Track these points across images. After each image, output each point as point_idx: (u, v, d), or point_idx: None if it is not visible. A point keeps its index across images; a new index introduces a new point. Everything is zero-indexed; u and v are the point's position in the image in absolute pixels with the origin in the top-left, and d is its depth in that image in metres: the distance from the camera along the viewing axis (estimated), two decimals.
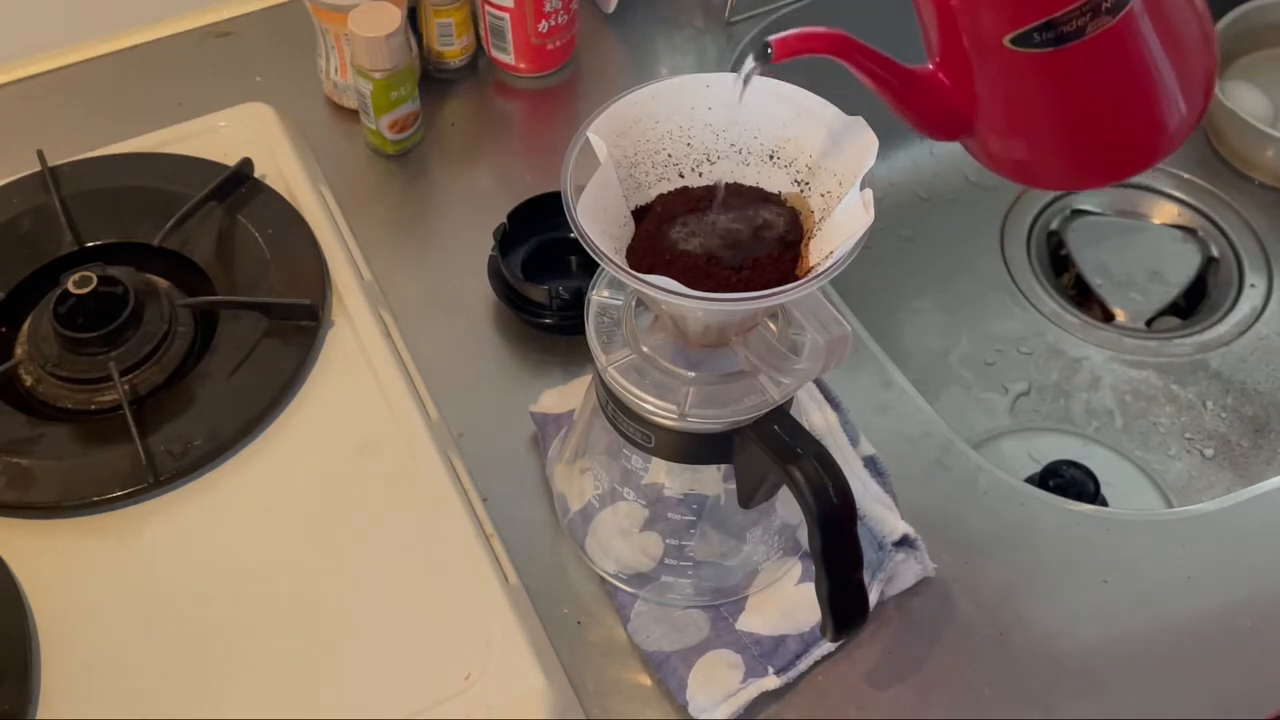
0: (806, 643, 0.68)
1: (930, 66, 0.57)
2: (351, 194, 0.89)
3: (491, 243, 0.81)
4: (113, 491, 0.70)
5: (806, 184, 0.58)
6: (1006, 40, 0.53)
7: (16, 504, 0.70)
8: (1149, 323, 1.08)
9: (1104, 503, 0.90)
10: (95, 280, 0.74)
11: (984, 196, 1.13)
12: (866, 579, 0.62)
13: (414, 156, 0.92)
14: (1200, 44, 0.57)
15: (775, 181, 0.59)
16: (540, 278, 0.81)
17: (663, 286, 0.51)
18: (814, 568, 0.59)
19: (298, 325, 0.77)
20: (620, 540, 0.70)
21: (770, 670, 0.67)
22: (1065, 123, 0.57)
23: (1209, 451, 0.99)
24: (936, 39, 0.57)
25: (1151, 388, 1.02)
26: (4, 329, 0.78)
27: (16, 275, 0.80)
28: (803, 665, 0.67)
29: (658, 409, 0.59)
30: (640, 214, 0.58)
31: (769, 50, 0.52)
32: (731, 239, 0.56)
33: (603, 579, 0.71)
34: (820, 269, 0.53)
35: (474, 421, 0.77)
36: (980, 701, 0.67)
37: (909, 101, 0.57)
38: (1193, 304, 1.10)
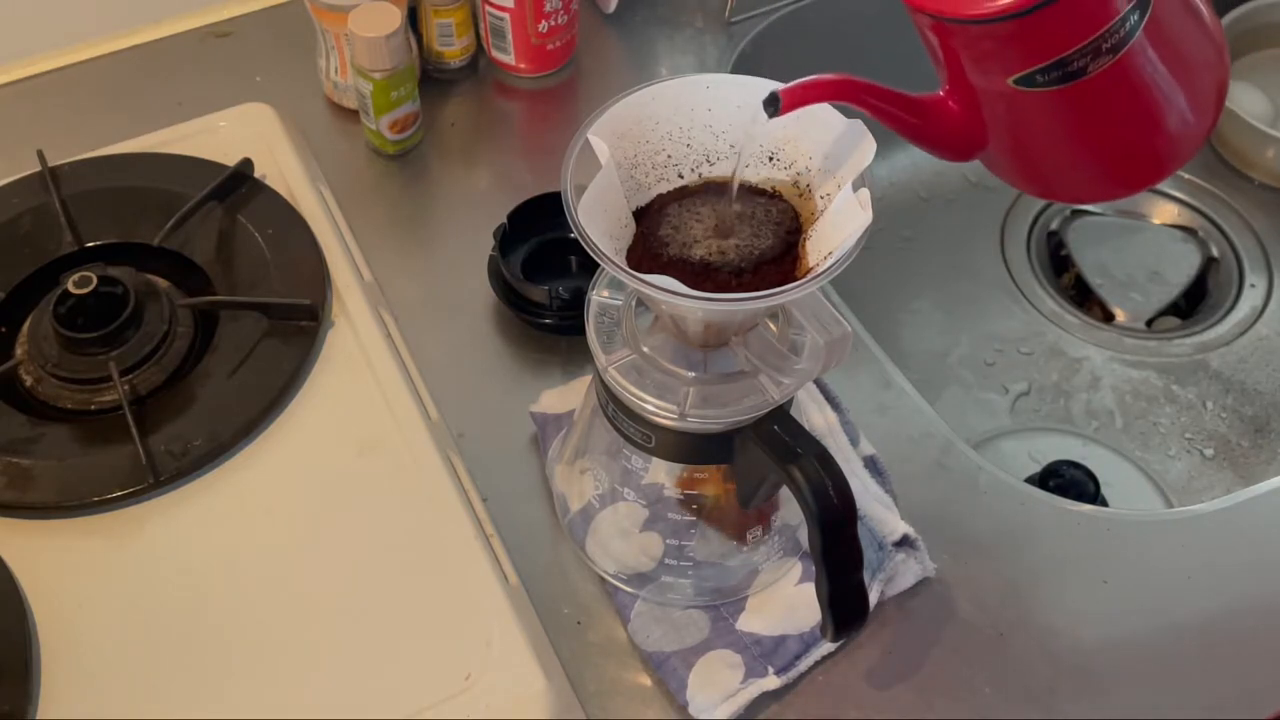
0: (806, 643, 0.68)
1: (940, 93, 0.57)
2: (351, 194, 0.89)
3: (491, 243, 0.81)
4: (113, 491, 0.70)
5: (806, 186, 0.58)
6: (1010, 81, 0.53)
7: (16, 504, 0.70)
8: (1149, 323, 1.08)
9: (1104, 503, 0.90)
10: (95, 280, 0.74)
11: (984, 196, 1.13)
12: (866, 579, 0.62)
13: (414, 156, 0.92)
14: (1211, 58, 0.57)
15: (775, 183, 0.59)
16: (540, 278, 0.81)
17: (663, 286, 0.51)
18: (814, 568, 0.59)
19: (298, 325, 0.77)
20: (620, 540, 0.70)
21: (770, 670, 0.67)
22: (1074, 148, 0.57)
23: (1209, 451, 0.99)
24: (944, 73, 0.57)
25: (1151, 388, 1.02)
26: (4, 329, 0.78)
27: (16, 275, 0.79)
28: (803, 665, 0.67)
29: (658, 409, 0.59)
30: (640, 215, 0.58)
31: (777, 101, 0.52)
32: (732, 240, 0.56)
33: (603, 579, 0.71)
34: (820, 269, 0.53)
35: (474, 421, 0.77)
36: (980, 701, 0.67)
37: (923, 133, 0.57)
38: (1193, 304, 1.10)
